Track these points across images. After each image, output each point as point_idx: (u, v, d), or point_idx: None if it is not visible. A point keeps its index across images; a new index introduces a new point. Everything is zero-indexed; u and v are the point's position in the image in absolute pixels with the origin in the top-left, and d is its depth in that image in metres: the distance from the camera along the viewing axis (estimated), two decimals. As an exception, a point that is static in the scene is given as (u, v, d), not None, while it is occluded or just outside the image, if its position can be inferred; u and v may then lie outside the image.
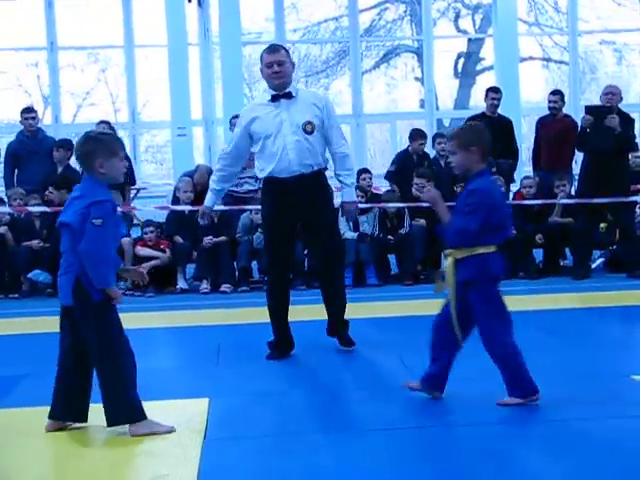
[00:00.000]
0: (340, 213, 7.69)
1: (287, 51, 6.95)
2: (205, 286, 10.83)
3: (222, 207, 11.08)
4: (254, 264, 11.26)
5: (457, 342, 5.22)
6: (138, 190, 15.06)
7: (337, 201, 7.64)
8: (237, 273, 11.14)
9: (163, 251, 11.04)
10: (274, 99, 6.81)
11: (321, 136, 6.83)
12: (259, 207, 11.24)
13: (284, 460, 4.30)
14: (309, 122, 6.75)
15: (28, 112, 12.64)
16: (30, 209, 11.22)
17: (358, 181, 11.86)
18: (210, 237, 10.86)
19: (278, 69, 6.73)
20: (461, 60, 21.30)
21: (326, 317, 7.10)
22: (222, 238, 10.96)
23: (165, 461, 4.34)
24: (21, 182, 12.10)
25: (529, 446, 4.42)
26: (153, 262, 10.83)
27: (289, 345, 6.91)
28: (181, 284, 10.98)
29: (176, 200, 11.67)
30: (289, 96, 6.80)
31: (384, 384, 5.77)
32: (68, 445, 4.67)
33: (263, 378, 6.10)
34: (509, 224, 5.45)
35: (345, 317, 7.06)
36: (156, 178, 19.91)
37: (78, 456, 4.52)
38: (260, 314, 7.24)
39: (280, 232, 6.85)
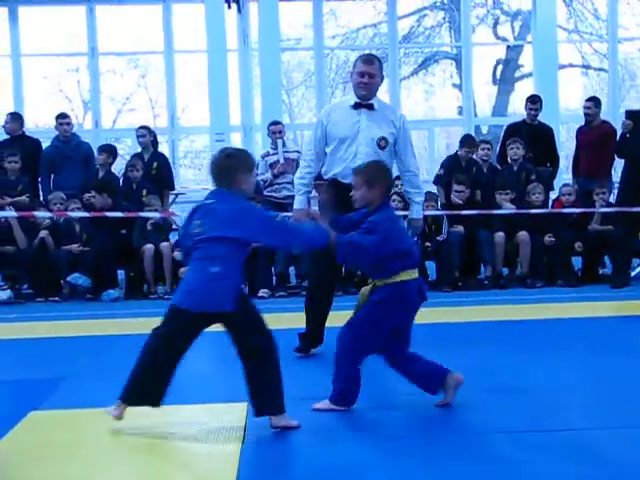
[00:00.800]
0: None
1: (381, 64, 7.08)
2: (243, 291, 10.85)
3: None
4: (291, 269, 11.27)
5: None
6: (177, 195, 15.12)
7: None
8: (274, 278, 11.15)
9: (201, 256, 11.06)
10: (356, 106, 6.97)
11: (392, 152, 7.00)
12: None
13: (323, 463, 4.32)
14: (384, 138, 6.92)
15: (62, 118, 12.74)
16: (71, 214, 11.31)
17: (395, 187, 11.85)
18: (248, 242, 10.89)
19: (367, 81, 6.91)
20: (500, 67, 21.22)
21: None
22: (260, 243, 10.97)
23: (204, 465, 4.36)
24: (57, 187, 12.20)
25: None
26: (191, 267, 10.87)
27: (318, 339, 7.04)
28: (219, 289, 11.00)
29: (215, 205, 11.70)
30: (371, 107, 6.96)
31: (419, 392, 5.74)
32: (106, 447, 4.70)
33: (300, 383, 6.10)
34: (415, 253, 5.46)
35: None
36: (194, 183, 19.98)
37: (115, 460, 4.55)
38: (298, 319, 7.24)
39: None
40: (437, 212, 11.41)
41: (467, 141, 12.53)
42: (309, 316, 7.10)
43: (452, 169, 12.17)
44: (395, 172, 7.11)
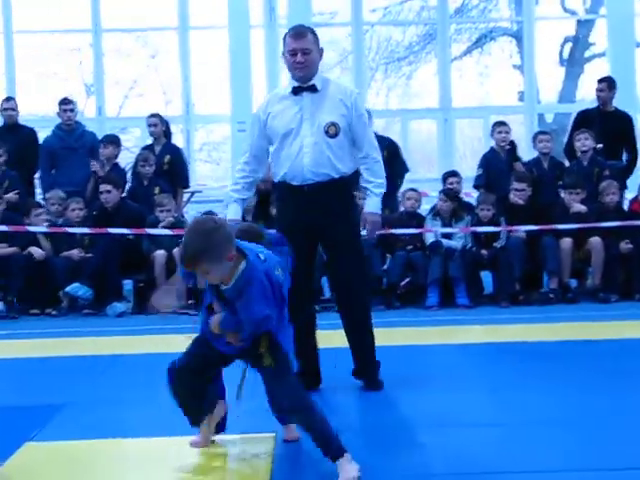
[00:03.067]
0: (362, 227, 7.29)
1: (315, 35, 6.85)
2: (268, 304, 10.83)
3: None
4: (324, 280, 11.24)
5: None
6: (192, 194, 15.16)
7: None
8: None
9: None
10: (296, 92, 6.75)
11: (347, 140, 6.75)
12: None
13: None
14: (333, 124, 6.67)
15: (66, 104, 12.81)
16: (72, 230, 11.33)
17: (444, 185, 11.91)
18: (274, 248, 10.88)
19: (302, 59, 6.65)
20: (568, 45, 21.13)
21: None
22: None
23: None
24: (57, 183, 12.26)
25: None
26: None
27: (315, 378, 6.85)
28: (240, 302, 10.97)
29: (236, 205, 11.70)
30: (313, 89, 6.74)
31: (469, 425, 5.68)
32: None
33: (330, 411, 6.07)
34: None
35: (375, 356, 6.87)
36: (212, 180, 20.04)
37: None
38: (332, 337, 7.18)
39: (294, 248, 6.44)
40: (489, 229, 11.37)
41: (496, 124, 12.71)
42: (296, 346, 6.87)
43: (492, 166, 12.24)
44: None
